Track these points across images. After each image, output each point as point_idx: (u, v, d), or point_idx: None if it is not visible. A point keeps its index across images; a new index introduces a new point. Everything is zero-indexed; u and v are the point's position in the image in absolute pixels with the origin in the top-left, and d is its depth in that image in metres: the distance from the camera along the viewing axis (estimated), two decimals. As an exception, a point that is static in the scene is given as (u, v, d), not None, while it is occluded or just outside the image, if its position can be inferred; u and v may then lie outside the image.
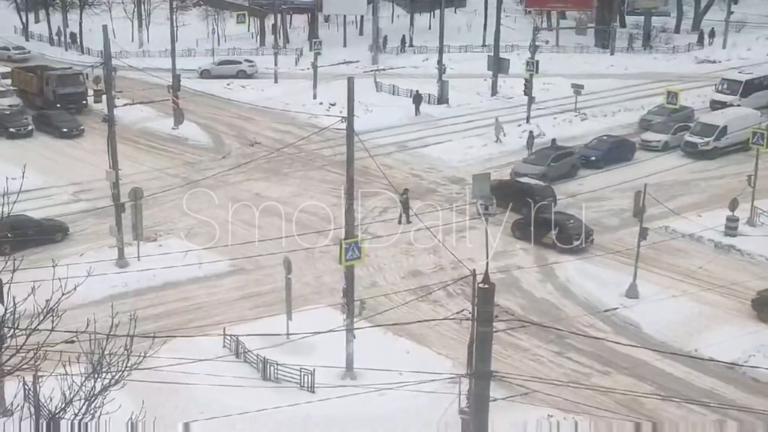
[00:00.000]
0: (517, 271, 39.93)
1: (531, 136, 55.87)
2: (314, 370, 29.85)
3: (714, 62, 79.61)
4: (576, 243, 41.29)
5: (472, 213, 45.08)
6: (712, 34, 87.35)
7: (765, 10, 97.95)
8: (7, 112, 60.99)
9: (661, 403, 29.76)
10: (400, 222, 44.48)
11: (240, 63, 78.18)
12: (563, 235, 41.49)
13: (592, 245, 42.15)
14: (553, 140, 55.54)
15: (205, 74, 75.70)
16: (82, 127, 59.85)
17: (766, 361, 31.79)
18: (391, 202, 46.85)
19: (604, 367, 32.60)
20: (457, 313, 31.16)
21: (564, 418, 28.26)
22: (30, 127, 59.59)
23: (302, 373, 30.13)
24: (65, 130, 59.44)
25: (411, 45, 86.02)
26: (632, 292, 37.40)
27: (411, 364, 29.62)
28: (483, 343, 17.51)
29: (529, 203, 43.60)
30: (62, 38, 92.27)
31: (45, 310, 14.52)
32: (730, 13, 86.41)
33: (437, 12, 80.00)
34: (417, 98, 64.83)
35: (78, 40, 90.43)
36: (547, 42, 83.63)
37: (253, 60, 78.66)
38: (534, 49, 62.62)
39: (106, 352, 15.33)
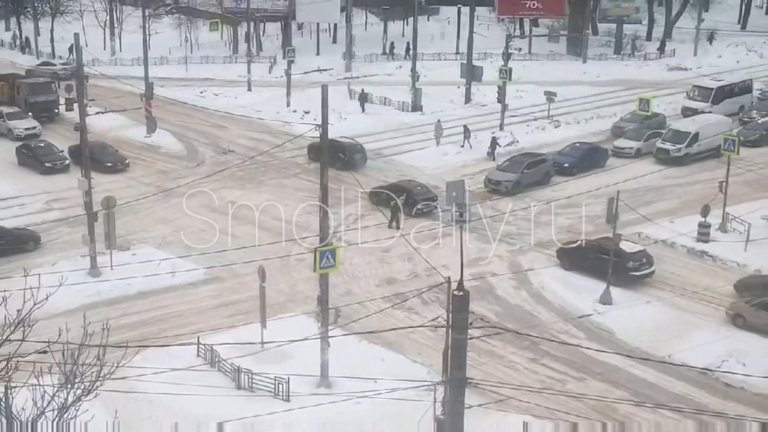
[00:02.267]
0: (492, 278, 40.01)
1: (494, 142, 56.37)
2: (289, 378, 29.75)
3: (685, 69, 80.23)
4: (419, 207, 46.02)
5: (446, 220, 45.17)
6: (711, 37, 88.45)
7: (735, 18, 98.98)
8: (42, 144, 55.01)
9: (635, 408, 29.87)
10: (390, 226, 44.51)
11: (55, 65, 79.00)
12: (409, 200, 45.99)
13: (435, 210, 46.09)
14: (493, 137, 56.77)
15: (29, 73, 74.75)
16: (127, 161, 54.52)
17: (738, 367, 32.05)
18: (365, 209, 46.83)
19: (579, 373, 32.72)
20: (432, 320, 31.11)
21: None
22: (67, 162, 53.41)
23: (277, 382, 30.03)
24: (109, 164, 53.28)
25: (409, 51, 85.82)
26: (606, 298, 37.56)
27: (386, 371, 29.61)
28: (458, 350, 17.53)
29: (341, 157, 52.14)
30: (16, 43, 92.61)
31: (16, 321, 14.40)
32: (700, 20, 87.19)
33: (410, 20, 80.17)
34: (362, 97, 65.60)
35: (31, 44, 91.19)
36: (519, 50, 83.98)
37: (69, 63, 77.13)
38: (507, 56, 62.85)
39: (79, 363, 15.22)
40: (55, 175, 51.43)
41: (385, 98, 67.70)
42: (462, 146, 57.69)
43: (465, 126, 58.83)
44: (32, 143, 54.99)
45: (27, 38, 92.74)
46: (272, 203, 47.05)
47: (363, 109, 66.04)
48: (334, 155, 49.68)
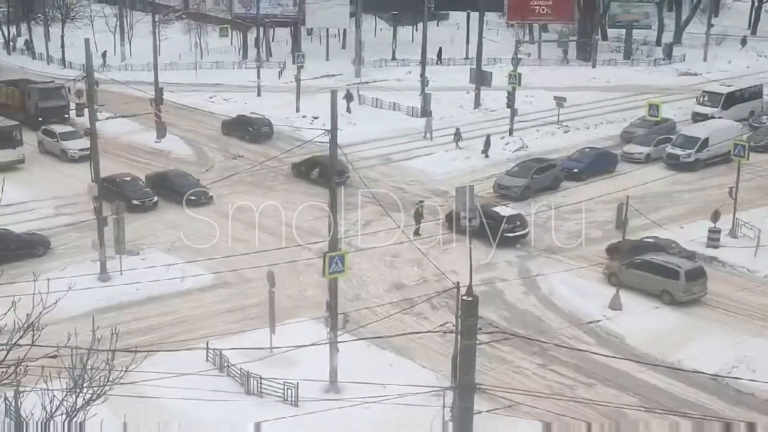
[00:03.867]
0: (501, 284, 39.97)
1: (488, 140, 57.57)
2: (298, 383, 29.73)
3: (695, 75, 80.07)
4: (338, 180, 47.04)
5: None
6: (744, 41, 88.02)
7: (744, 23, 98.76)
8: (128, 179, 49.53)
9: (645, 414, 29.78)
10: (416, 233, 44.59)
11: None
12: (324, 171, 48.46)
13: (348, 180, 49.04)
14: (487, 136, 57.98)
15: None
16: (210, 195, 49.48)
17: (749, 373, 31.91)
18: (374, 215, 46.84)
19: (588, 378, 32.62)
20: (441, 325, 31.07)
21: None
22: (155, 199, 48.63)
23: (286, 387, 30.02)
24: (193, 197, 48.40)
25: (440, 58, 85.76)
26: (615, 304, 37.47)
27: (395, 377, 29.61)
28: (467, 356, 17.50)
29: (249, 131, 58.69)
30: (28, 48, 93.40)
31: (25, 325, 14.43)
32: (710, 26, 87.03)
33: (420, 25, 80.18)
34: (348, 97, 65.94)
35: (32, 47, 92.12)
36: (529, 55, 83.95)
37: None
38: (516, 61, 62.83)
39: (88, 367, 15.24)
40: (144, 214, 47.14)
41: (395, 103, 67.67)
42: (426, 138, 60.40)
43: (457, 129, 59.70)
44: (117, 178, 49.08)
45: (27, 40, 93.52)
46: (280, 208, 47.01)
47: (349, 110, 65.54)
48: (243, 129, 60.73)
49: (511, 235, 43.19)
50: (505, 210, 44.71)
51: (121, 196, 46.04)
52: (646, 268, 38.60)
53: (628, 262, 39.13)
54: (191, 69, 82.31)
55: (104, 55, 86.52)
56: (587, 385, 32.18)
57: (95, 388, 15.35)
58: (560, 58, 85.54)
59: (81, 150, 55.62)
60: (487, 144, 57.35)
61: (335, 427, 28.07)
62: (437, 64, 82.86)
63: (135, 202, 47.36)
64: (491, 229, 42.35)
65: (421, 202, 46.57)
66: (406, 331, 34.08)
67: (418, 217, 45.28)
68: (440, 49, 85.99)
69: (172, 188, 49.32)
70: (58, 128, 58.93)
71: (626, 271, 38.90)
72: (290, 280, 39.87)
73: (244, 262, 39.86)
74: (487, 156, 56.90)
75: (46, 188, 51.61)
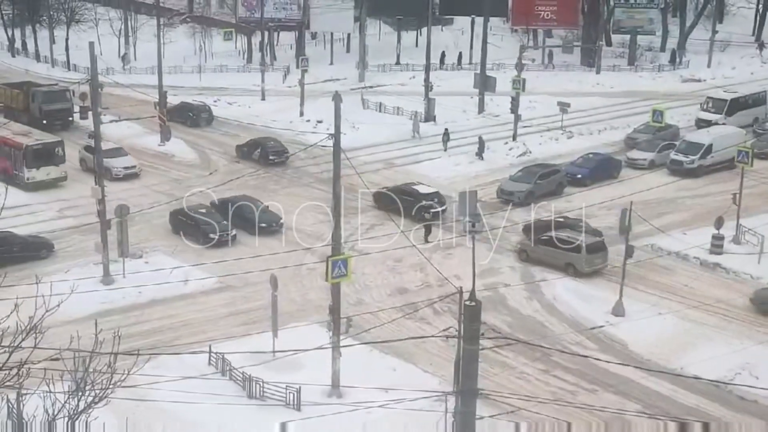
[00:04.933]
0: (504, 289, 39.93)
1: (481, 142, 57.89)
2: (300, 387, 29.73)
3: (699, 81, 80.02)
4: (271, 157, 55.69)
5: (458, 230, 45.14)
6: (761, 46, 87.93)
7: (749, 29, 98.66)
8: (203, 210, 45.25)
9: (647, 421, 29.71)
10: (426, 240, 44.51)
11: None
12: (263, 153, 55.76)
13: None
14: (480, 137, 58.16)
15: None
16: (282, 221, 46.10)
17: (751, 380, 31.86)
18: (377, 219, 46.83)
19: (591, 384, 32.58)
20: (444, 330, 31.10)
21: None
22: (234, 232, 44.16)
23: (288, 391, 30.00)
24: (263, 224, 45.25)
25: (461, 62, 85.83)
26: (618, 310, 37.43)
27: (397, 381, 29.56)
28: (469, 361, 17.48)
29: (190, 116, 62.96)
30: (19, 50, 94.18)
31: (28, 327, 14.43)
32: (714, 32, 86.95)
33: (424, 30, 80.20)
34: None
35: (27, 47, 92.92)
36: (533, 60, 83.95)
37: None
38: (520, 67, 62.84)
39: (90, 370, 15.24)
40: (220, 249, 42.89)
41: (399, 108, 67.68)
42: (413, 137, 62.32)
43: (445, 129, 60.80)
44: (192, 211, 45.05)
45: (24, 42, 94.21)
46: (285, 212, 47.00)
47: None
48: (185, 114, 65.73)
49: (429, 211, 46.21)
50: (423, 188, 48.32)
51: (195, 229, 43.81)
52: (551, 243, 41.51)
53: (536, 239, 42.26)
54: (195, 72, 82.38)
55: (124, 57, 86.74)
56: (590, 391, 32.13)
57: (97, 391, 15.34)
58: (564, 64, 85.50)
59: (126, 168, 53.95)
60: (481, 146, 57.54)
61: (338, 431, 28.03)
62: (440, 69, 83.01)
63: (212, 236, 43.30)
64: (411, 205, 46.30)
65: (429, 208, 46.42)
66: (409, 336, 34.12)
67: (427, 225, 45.24)
68: (443, 53, 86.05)
69: (241, 216, 45.15)
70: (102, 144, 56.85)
71: (535, 248, 42.17)
72: (293, 284, 39.87)
73: (248, 265, 39.83)
74: (481, 158, 57.21)
75: (49, 191, 51.65)
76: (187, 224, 44.56)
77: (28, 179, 51.50)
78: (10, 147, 52.84)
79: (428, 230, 45.15)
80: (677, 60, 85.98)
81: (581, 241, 40.78)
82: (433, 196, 47.32)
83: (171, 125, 61.89)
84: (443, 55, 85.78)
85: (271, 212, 46.29)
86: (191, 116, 65.86)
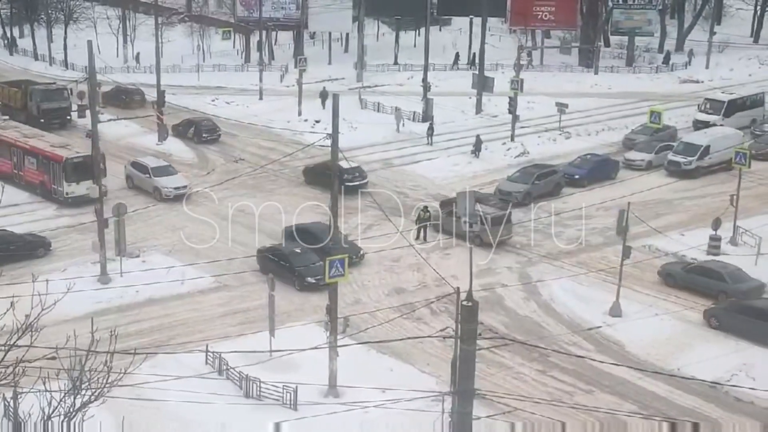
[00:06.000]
0: (501, 289, 39.93)
1: (478, 140, 58.36)
2: (297, 387, 29.73)
3: (697, 82, 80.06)
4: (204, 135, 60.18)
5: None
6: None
7: (747, 30, 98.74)
8: (297, 251, 40.71)
9: (642, 421, 29.72)
10: (416, 238, 44.74)
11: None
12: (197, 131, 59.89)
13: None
14: (477, 136, 58.87)
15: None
16: (362, 253, 42.37)
17: (748, 381, 31.88)
18: (374, 219, 46.84)
19: (587, 385, 32.59)
20: (441, 330, 31.18)
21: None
22: (319, 277, 36.45)
23: (285, 391, 29.99)
24: (312, 280, 39.24)
25: (457, 62, 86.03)
26: (615, 311, 37.45)
27: (394, 381, 29.55)
28: (466, 361, 17.48)
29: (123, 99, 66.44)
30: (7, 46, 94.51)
31: (24, 326, 14.41)
32: (713, 33, 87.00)
33: (422, 30, 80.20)
34: (323, 95, 67.59)
35: (17, 45, 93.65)
36: (531, 60, 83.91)
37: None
38: (518, 67, 62.87)
39: (87, 368, 15.22)
40: (315, 294, 38.77)
41: (396, 108, 67.57)
42: (396, 131, 63.46)
43: (430, 124, 62.06)
44: (285, 250, 40.89)
45: (14, 38, 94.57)
46: (281, 211, 47.00)
47: (324, 107, 66.35)
48: (119, 98, 68.85)
49: (350, 184, 48.92)
50: (344, 163, 44.84)
51: (290, 271, 39.69)
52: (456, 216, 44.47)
53: (447, 212, 45.50)
54: (193, 72, 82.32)
55: (137, 57, 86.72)
56: (586, 392, 32.15)
57: (94, 390, 15.32)
58: (563, 65, 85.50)
59: (177, 189, 49.76)
60: (478, 144, 57.77)
61: (334, 431, 28.03)
62: (453, 69, 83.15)
63: (310, 280, 39.28)
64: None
65: (426, 207, 46.47)
66: (406, 336, 34.13)
67: (423, 223, 45.27)
68: (457, 54, 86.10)
69: (289, 268, 40.06)
70: (151, 162, 51.98)
71: (446, 219, 45.37)
72: (291, 283, 39.81)
73: (245, 264, 39.82)
74: (477, 156, 57.59)
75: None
76: (280, 265, 40.11)
77: (67, 194, 48.20)
78: (48, 160, 49.46)
79: (423, 227, 45.12)
80: (670, 60, 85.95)
81: (484, 214, 43.43)
82: (354, 171, 50.11)
83: (107, 109, 63.11)
84: (457, 55, 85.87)
85: (353, 244, 42.48)
86: (124, 99, 68.80)
